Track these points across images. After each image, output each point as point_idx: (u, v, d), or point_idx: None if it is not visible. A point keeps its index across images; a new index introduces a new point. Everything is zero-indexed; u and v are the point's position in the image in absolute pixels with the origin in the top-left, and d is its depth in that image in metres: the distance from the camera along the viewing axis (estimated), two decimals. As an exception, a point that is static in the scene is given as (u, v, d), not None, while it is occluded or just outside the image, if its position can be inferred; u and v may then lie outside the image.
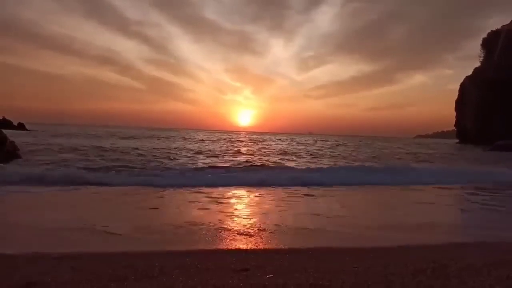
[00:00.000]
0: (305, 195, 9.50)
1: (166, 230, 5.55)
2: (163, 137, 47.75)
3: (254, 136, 70.90)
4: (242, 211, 7.27)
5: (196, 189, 9.68)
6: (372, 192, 11.00)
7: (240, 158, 21.19)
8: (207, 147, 31.55)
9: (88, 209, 7.38)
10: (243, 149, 30.26)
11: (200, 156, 21.69)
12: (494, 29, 72.88)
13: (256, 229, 5.59)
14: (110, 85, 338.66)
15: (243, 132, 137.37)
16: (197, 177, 12.02)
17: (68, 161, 15.25)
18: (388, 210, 8.36)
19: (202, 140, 45.80)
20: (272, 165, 17.85)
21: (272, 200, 8.85)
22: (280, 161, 21.09)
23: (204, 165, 16.19)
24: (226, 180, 11.26)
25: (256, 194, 9.48)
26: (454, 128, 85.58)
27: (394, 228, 6.16)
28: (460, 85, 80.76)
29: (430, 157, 30.59)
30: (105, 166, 13.93)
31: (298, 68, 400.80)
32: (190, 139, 45.70)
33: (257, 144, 42.13)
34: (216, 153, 24.69)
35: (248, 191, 9.92)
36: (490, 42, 70.48)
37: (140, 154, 20.42)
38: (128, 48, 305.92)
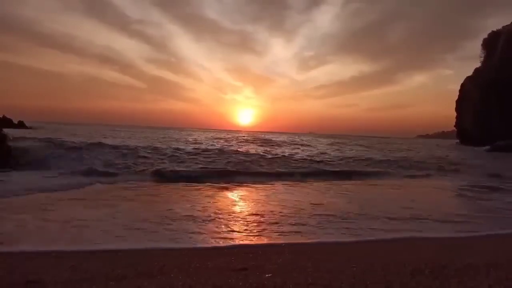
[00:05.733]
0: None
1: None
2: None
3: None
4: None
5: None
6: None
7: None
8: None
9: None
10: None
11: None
12: (495, 29, 72.67)
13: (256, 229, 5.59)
14: (110, 83, 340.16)
15: (244, 132, 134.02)
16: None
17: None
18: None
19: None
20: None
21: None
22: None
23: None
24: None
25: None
26: (454, 128, 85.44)
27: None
28: (461, 86, 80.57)
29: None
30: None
31: (298, 68, 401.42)
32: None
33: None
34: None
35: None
36: (491, 43, 70.26)
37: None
38: (128, 47, 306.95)
